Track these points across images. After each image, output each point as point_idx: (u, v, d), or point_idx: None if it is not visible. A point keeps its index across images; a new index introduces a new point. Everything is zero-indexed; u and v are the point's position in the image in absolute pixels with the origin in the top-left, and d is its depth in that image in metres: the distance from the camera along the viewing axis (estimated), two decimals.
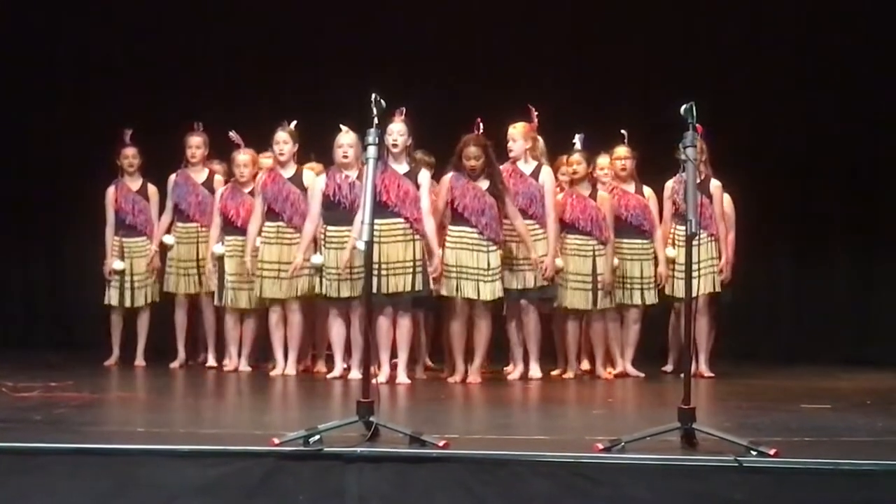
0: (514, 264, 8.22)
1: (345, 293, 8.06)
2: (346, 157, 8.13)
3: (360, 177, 8.00)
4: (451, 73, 10.46)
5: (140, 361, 9.14)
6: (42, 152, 10.75)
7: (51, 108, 10.76)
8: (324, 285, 8.12)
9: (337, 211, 8.09)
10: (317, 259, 8.18)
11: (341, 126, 8.15)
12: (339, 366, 8.24)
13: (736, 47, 10.51)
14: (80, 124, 10.56)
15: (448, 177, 8.12)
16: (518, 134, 8.32)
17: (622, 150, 8.82)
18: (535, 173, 8.29)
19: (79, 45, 10.85)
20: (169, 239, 9.02)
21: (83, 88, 10.77)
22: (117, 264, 9.12)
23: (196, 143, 9.03)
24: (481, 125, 8.11)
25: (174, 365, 9.01)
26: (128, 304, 9.15)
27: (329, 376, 8.23)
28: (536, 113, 8.36)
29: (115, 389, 7.32)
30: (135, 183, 9.19)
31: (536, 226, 8.24)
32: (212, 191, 8.96)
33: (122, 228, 9.15)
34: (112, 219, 9.18)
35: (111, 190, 9.19)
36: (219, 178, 8.98)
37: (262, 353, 8.90)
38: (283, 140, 8.47)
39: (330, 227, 8.13)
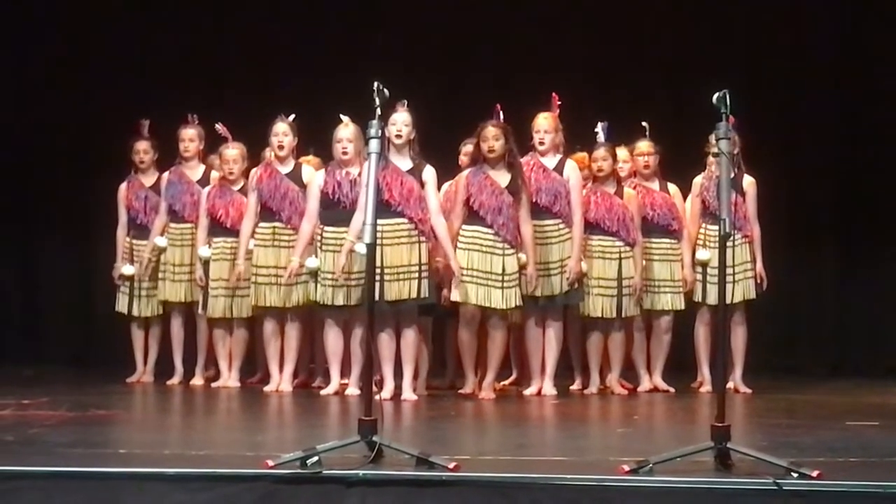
0: (539, 269, 8.13)
1: (340, 300, 8.04)
2: (345, 152, 8.12)
3: (361, 174, 7.98)
4: (459, 60, 10.45)
5: (149, 377, 9.07)
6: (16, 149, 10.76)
7: (21, 106, 10.74)
8: (318, 291, 8.11)
9: (336, 211, 8.07)
10: (312, 263, 8.12)
11: (342, 117, 8.14)
12: (335, 381, 8.23)
13: (776, 31, 10.48)
14: (53, 121, 10.58)
15: (466, 173, 8.10)
16: (550, 125, 8.26)
17: (644, 145, 8.77)
18: (559, 167, 8.25)
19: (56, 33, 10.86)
20: (161, 241, 8.88)
21: (52, 86, 10.73)
22: (127, 269, 9.01)
23: (189, 137, 8.94)
24: (501, 112, 8.09)
25: (172, 382, 8.93)
26: (136, 312, 9.04)
27: (323, 392, 8.21)
28: (559, 102, 8.33)
29: (95, 408, 7.30)
30: (148, 179, 9.09)
31: (562, 225, 8.21)
32: None
33: (133, 229, 9.06)
34: (124, 218, 9.10)
35: (123, 187, 9.12)
36: (215, 175, 8.85)
37: (248, 367, 8.86)
38: (283, 132, 8.41)
39: (327, 228, 8.11)
